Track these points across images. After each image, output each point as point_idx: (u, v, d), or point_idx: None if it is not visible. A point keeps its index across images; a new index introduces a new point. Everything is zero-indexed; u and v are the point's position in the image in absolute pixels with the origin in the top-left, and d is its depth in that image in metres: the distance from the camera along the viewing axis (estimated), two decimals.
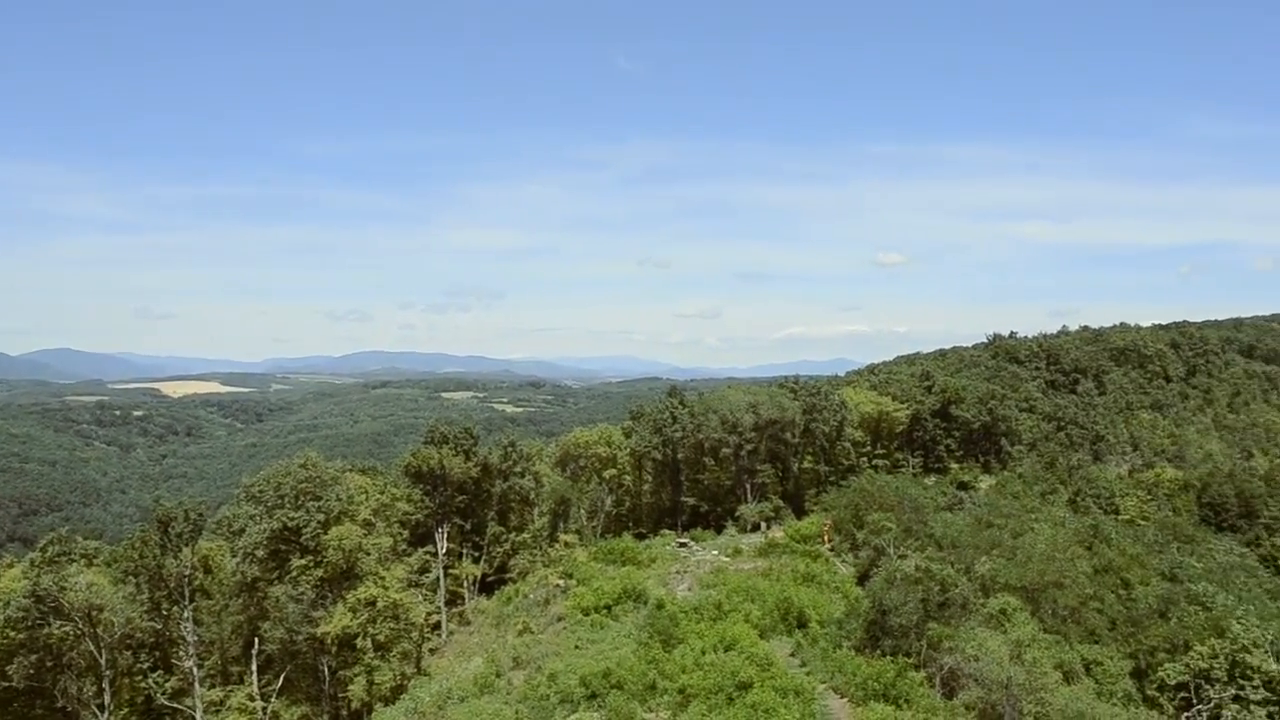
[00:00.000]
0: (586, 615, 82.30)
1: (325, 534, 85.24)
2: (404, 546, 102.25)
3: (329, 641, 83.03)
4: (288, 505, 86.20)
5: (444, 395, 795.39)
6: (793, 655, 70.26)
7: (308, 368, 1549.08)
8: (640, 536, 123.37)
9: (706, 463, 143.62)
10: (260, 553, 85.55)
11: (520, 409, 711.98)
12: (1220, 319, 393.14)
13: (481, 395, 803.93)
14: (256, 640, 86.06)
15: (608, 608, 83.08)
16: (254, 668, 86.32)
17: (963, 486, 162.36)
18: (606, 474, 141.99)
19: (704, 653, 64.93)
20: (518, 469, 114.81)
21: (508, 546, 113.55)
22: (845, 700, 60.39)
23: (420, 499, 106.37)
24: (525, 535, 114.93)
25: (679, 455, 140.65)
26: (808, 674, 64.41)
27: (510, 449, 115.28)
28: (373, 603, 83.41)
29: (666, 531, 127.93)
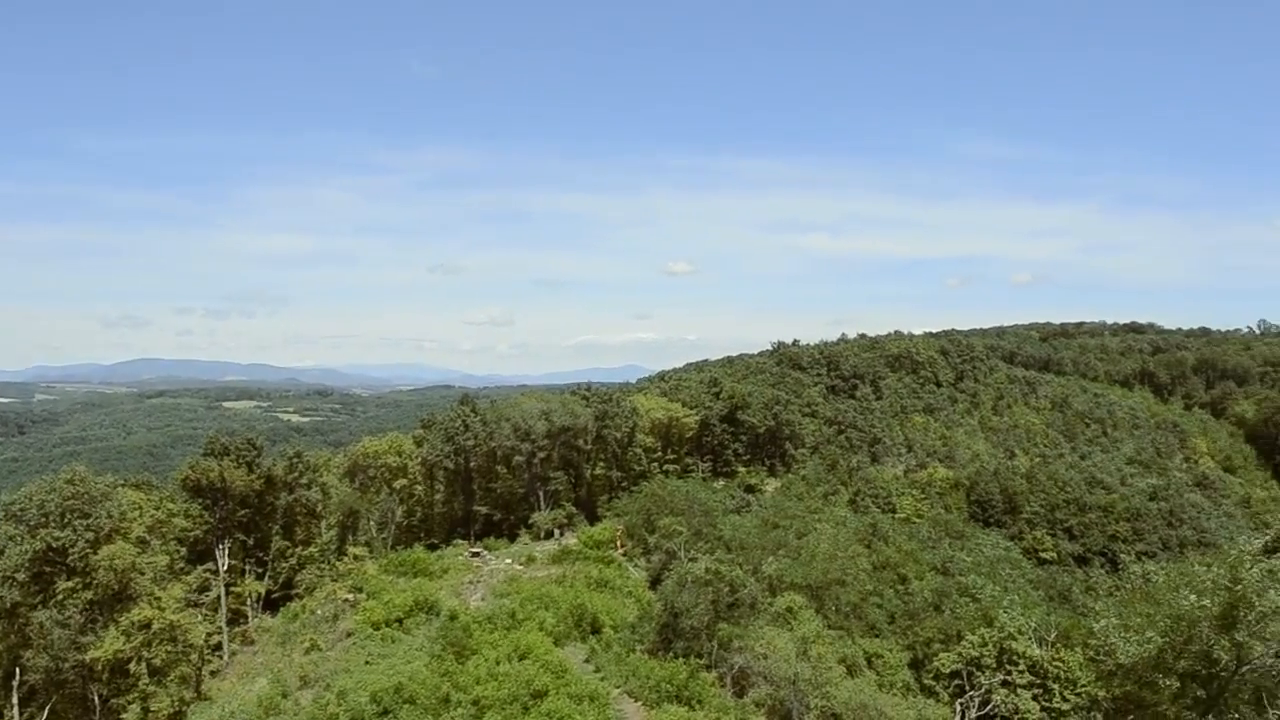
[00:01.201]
0: (377, 629, 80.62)
1: (95, 554, 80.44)
2: (182, 564, 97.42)
3: (99, 668, 78.37)
4: (53, 524, 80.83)
5: (225, 405, 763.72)
6: (587, 661, 70.62)
7: (76, 376, 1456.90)
8: (432, 547, 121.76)
9: (499, 471, 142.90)
10: (21, 575, 79.89)
11: (307, 418, 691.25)
12: (985, 328, 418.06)
13: (266, 405, 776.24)
14: (18, 670, 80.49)
15: (399, 621, 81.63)
16: (14, 700, 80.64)
17: (750, 489, 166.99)
18: (397, 484, 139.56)
19: (498, 662, 64.51)
20: (304, 481, 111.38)
21: (293, 561, 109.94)
22: (639, 704, 61.07)
23: (199, 514, 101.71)
24: (312, 549, 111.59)
25: (471, 464, 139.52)
26: (602, 679, 64.86)
27: (296, 460, 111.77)
28: (148, 625, 79.17)
29: (459, 541, 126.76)
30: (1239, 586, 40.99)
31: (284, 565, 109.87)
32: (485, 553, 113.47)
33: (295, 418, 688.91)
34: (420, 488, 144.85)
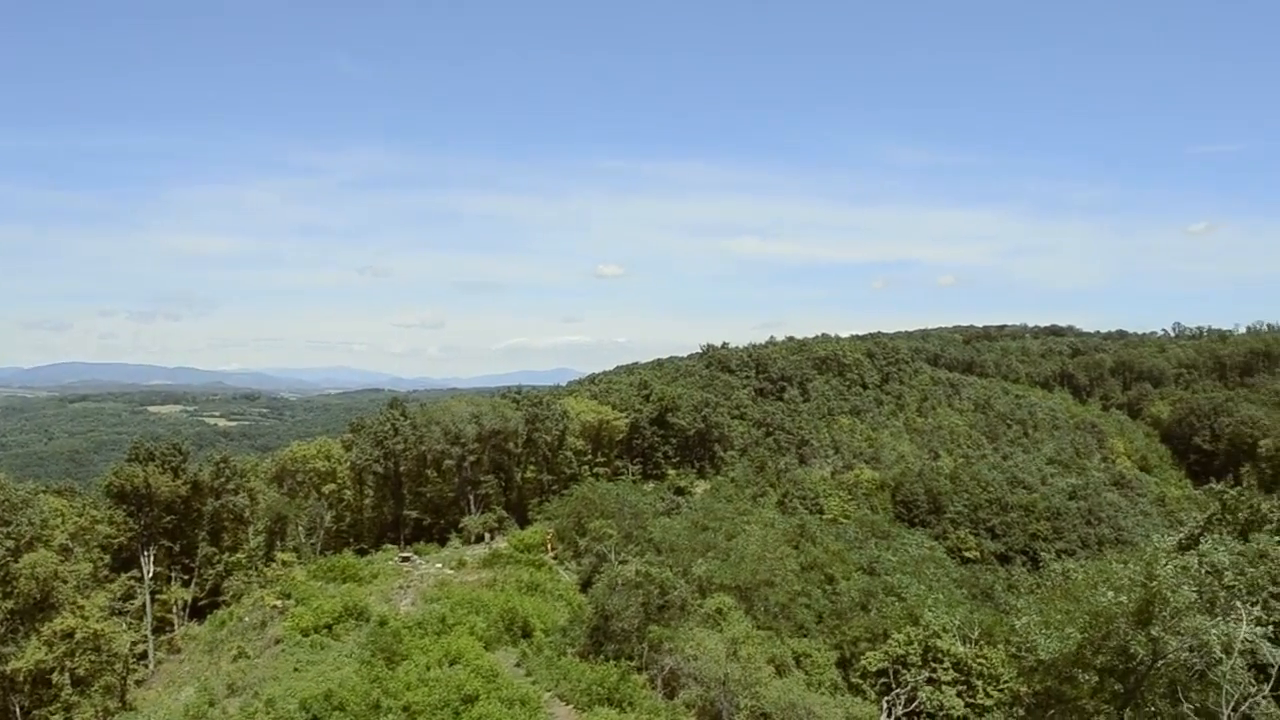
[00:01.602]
0: (306, 636, 79.73)
1: (16, 562, 78.86)
2: (106, 572, 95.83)
3: (21, 679, 76.77)
4: None
5: (151, 409, 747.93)
6: (518, 665, 70.57)
7: None
8: (362, 552, 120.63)
9: (429, 475, 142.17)
10: None
11: (234, 423, 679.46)
12: (910, 330, 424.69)
13: (192, 409, 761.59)
14: None
15: (328, 627, 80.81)
16: None
17: (680, 491, 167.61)
18: (326, 489, 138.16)
19: (429, 668, 64.25)
20: (231, 486, 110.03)
21: (221, 568, 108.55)
22: (570, 707, 61.23)
23: (124, 520, 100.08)
24: (240, 555, 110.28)
25: (401, 468, 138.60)
26: (533, 683, 64.86)
27: (223, 465, 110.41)
28: (70, 634, 77.75)
29: (389, 546, 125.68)
30: (1154, 583, 42.16)
31: (211, 572, 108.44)
32: (415, 557, 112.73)
33: (222, 422, 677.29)
34: (349, 492, 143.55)
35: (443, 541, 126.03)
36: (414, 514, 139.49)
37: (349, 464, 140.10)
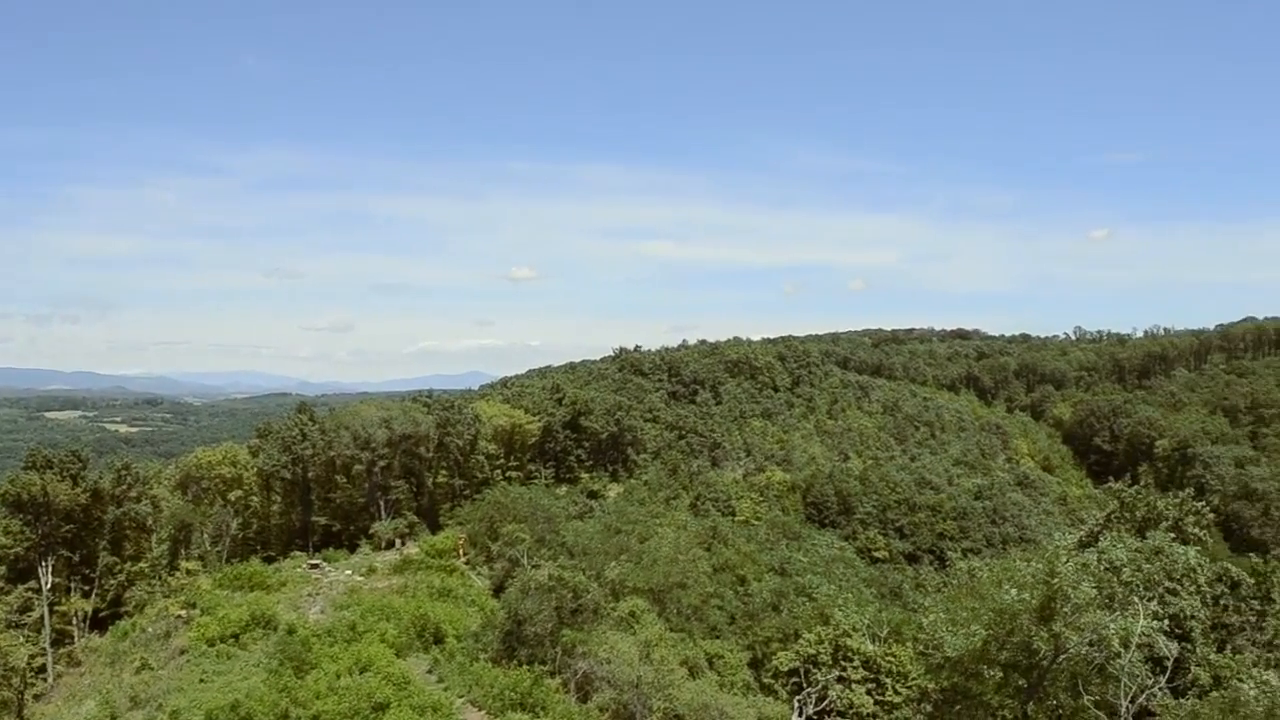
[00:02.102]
0: (212, 646, 78.09)
1: None
2: (1, 584, 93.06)
3: None
4: None
5: (48, 415, 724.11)
6: (430, 672, 69.95)
7: None
8: (269, 560, 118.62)
9: (339, 480, 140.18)
10: None
11: (136, 429, 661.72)
12: (820, 334, 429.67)
13: (92, 414, 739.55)
14: None
15: (235, 637, 79.24)
16: None
17: (593, 495, 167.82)
18: (232, 496, 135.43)
19: (339, 676, 63.33)
20: (133, 494, 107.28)
21: (123, 578, 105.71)
22: (483, 712, 60.82)
23: (20, 530, 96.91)
24: (142, 565, 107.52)
25: (309, 474, 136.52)
26: (445, 689, 64.32)
27: (124, 472, 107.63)
28: None
29: (297, 553, 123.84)
30: (1056, 580, 43.15)
31: (112, 582, 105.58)
32: (324, 564, 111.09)
33: (123, 428, 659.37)
34: (256, 499, 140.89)
35: (353, 548, 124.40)
36: (323, 520, 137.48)
37: (256, 470, 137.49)
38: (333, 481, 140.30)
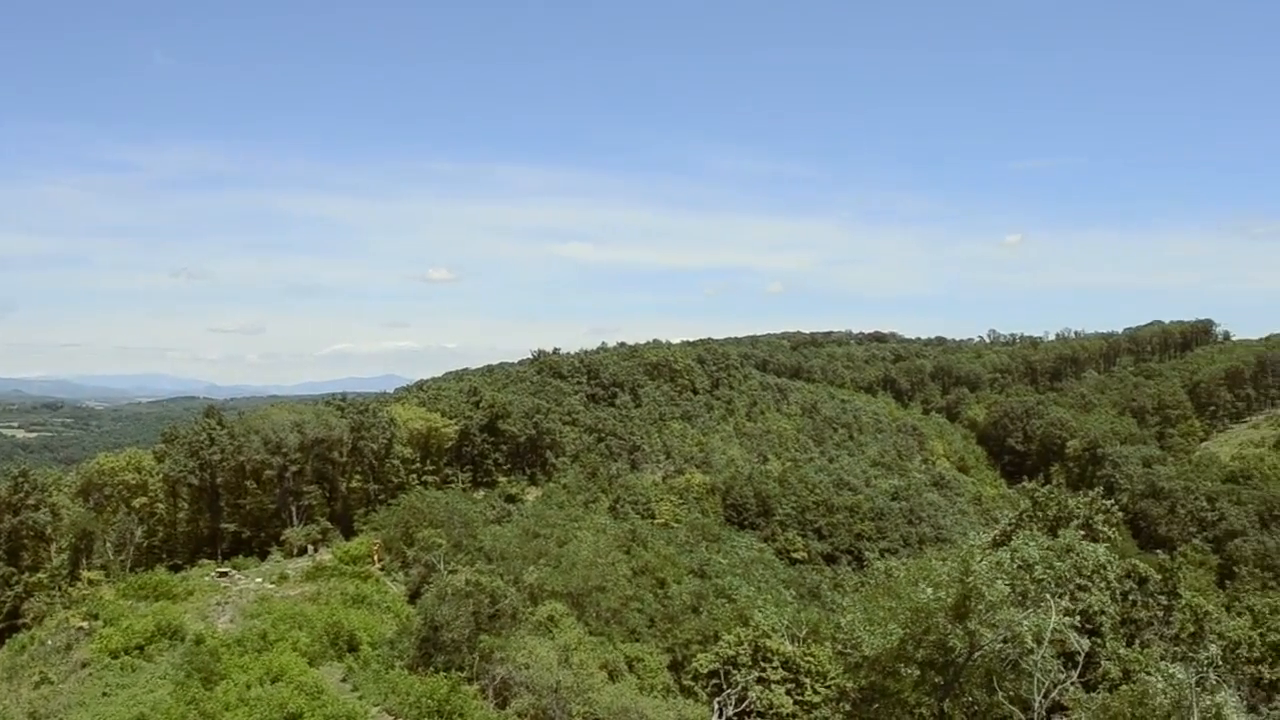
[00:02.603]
0: (115, 658, 75.72)
1: None
2: None
3: None
4: None
5: None
6: (344, 680, 68.72)
7: None
8: (176, 569, 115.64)
9: (249, 486, 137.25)
10: None
11: (35, 434, 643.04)
12: (739, 336, 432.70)
13: None
14: None
15: (140, 648, 76.93)
16: None
17: (511, 499, 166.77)
18: (136, 503, 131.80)
19: (249, 687, 61.77)
20: (31, 502, 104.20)
21: (20, 589, 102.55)
22: None
23: None
24: (41, 575, 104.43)
25: (218, 479, 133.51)
26: (360, 698, 63.20)
27: (21, 479, 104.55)
28: None
29: (206, 561, 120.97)
30: (970, 579, 43.41)
31: (9, 593, 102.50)
32: (234, 572, 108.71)
33: (21, 433, 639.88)
34: (162, 506, 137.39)
35: (263, 555, 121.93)
36: (232, 527, 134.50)
37: (161, 476, 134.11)
38: (242, 487, 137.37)
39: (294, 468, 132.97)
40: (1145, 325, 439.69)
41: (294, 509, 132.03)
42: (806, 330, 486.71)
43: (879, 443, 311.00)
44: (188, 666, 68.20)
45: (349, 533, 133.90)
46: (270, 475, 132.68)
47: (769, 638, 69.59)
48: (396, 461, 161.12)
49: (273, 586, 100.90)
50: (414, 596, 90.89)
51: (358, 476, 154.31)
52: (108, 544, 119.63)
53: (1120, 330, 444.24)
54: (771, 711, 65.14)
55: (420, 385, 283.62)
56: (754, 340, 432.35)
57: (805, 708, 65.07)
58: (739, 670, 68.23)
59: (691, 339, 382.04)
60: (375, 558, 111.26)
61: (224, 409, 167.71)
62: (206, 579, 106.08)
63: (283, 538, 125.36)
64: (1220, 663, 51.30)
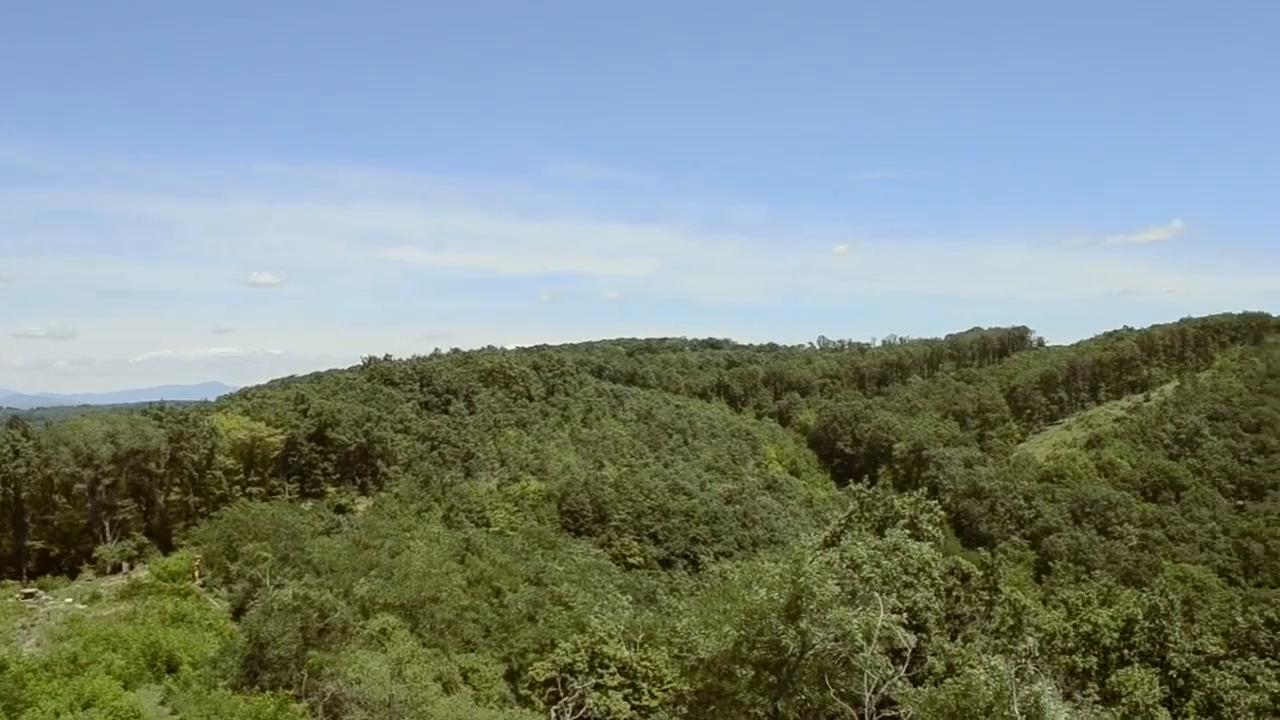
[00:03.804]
0: None
1: None
2: None
3: None
4: None
5: None
6: (163, 704, 65.50)
7: None
8: None
9: (57, 501, 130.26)
10: None
11: None
12: (575, 343, 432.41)
13: None
14: None
15: None
16: None
17: (340, 509, 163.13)
18: None
19: (58, 714, 58.16)
20: None
21: None
22: None
23: None
24: None
25: (23, 494, 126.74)
26: None
27: None
28: None
29: (9, 582, 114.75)
30: (801, 579, 43.93)
31: None
32: (41, 593, 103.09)
33: None
34: None
35: (74, 574, 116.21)
36: (39, 545, 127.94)
37: None
38: (50, 502, 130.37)
39: (107, 480, 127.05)
40: (966, 332, 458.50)
41: (107, 524, 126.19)
42: (643, 337, 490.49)
43: (713, 447, 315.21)
44: None
45: (167, 548, 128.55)
46: (81, 489, 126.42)
47: (606, 644, 69.46)
48: (219, 473, 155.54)
49: (84, 607, 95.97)
50: (238, 613, 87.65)
51: (177, 489, 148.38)
52: None
53: (943, 337, 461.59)
54: (609, 717, 64.98)
55: (244, 393, 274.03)
56: (589, 346, 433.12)
57: (642, 712, 65.15)
58: (576, 677, 67.87)
59: (527, 345, 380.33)
60: (196, 574, 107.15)
61: (30, 419, 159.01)
62: (10, 601, 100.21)
63: (95, 555, 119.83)
64: (1038, 654, 53.52)
